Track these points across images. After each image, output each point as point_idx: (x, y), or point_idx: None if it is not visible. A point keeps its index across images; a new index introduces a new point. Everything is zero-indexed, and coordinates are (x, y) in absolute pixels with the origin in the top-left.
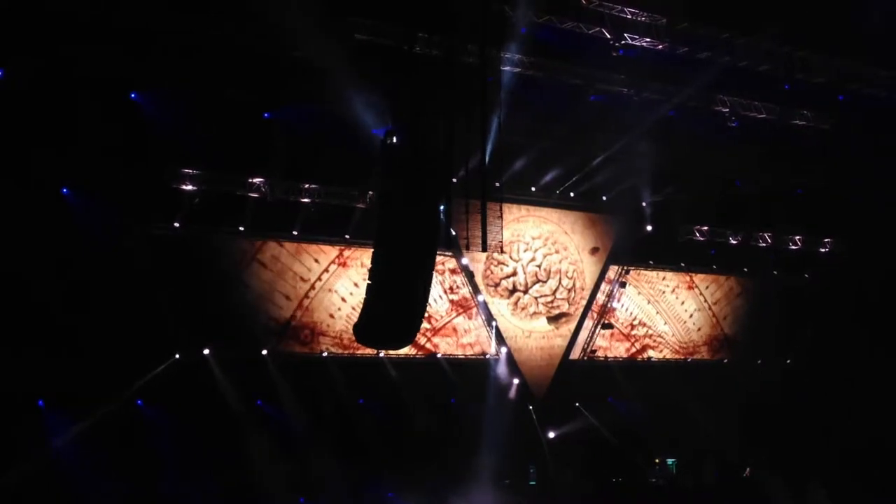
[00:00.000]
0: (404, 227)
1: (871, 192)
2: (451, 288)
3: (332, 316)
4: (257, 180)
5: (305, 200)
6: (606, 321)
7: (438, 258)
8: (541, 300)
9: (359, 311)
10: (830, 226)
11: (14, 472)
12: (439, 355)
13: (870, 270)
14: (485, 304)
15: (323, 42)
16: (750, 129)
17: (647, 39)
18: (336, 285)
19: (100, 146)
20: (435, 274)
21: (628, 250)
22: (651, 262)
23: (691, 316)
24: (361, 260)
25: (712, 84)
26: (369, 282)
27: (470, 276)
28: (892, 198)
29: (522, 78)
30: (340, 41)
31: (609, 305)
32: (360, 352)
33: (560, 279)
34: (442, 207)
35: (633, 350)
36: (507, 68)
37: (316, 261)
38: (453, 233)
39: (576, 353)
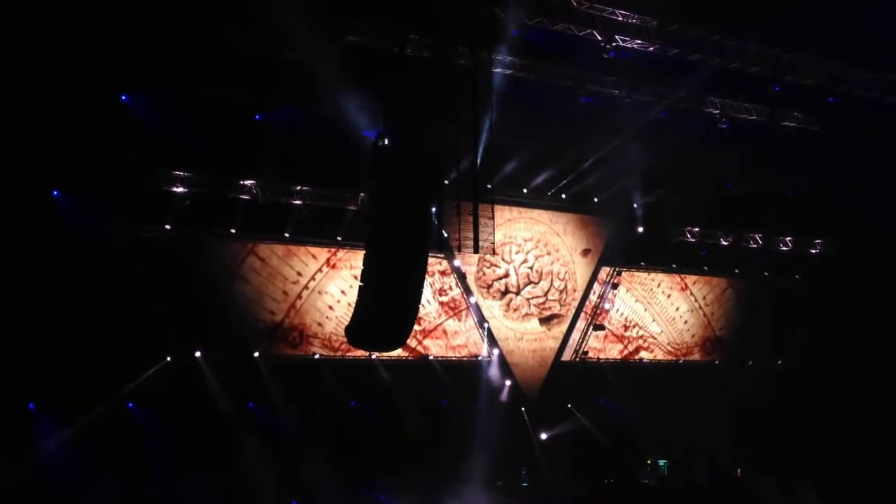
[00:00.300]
0: (396, 229)
1: (861, 193)
2: (440, 290)
3: (322, 318)
4: (248, 182)
5: (297, 202)
6: (598, 322)
7: (429, 260)
8: (533, 301)
9: (350, 313)
10: (821, 227)
11: (5, 475)
12: (431, 357)
13: (860, 271)
14: (477, 305)
15: (315, 44)
16: (740, 130)
17: (638, 41)
18: (327, 287)
19: (91, 148)
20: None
21: (620, 252)
22: (643, 264)
23: (683, 318)
24: (353, 262)
25: (703, 86)
26: (361, 284)
27: (462, 277)
28: (882, 199)
29: (514, 80)
30: (332, 43)
31: (601, 307)
32: (351, 354)
33: (552, 280)
34: (433, 209)
35: (627, 351)
36: (498, 70)
37: (307, 263)
38: (445, 234)
39: (568, 355)
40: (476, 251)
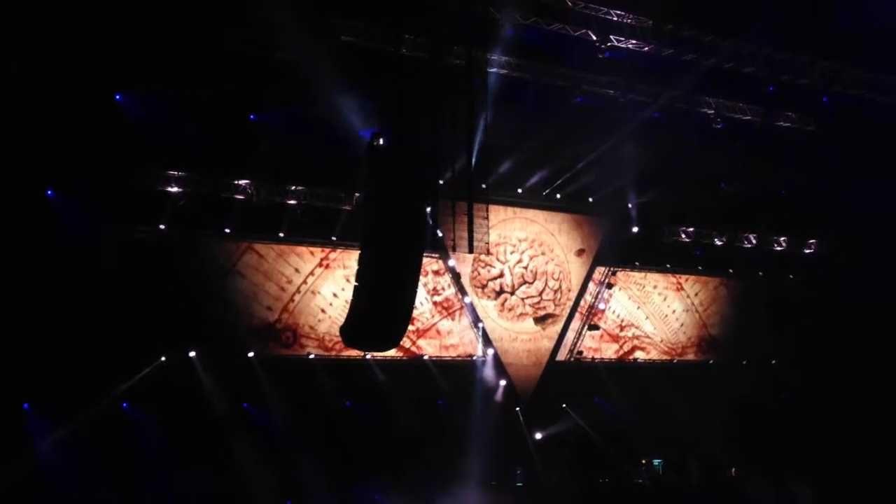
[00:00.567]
0: (391, 229)
1: (856, 192)
2: (434, 290)
3: (316, 318)
4: (243, 182)
5: (291, 202)
6: (593, 322)
7: (423, 260)
8: (527, 301)
9: (344, 313)
10: (815, 227)
11: (0, 475)
12: (426, 357)
13: (854, 271)
14: (472, 305)
15: (309, 44)
16: (735, 130)
17: (633, 41)
18: (322, 287)
19: (85, 148)
20: None
21: (614, 252)
22: (637, 264)
23: (678, 318)
24: (348, 262)
25: (697, 86)
26: (356, 284)
27: (457, 277)
28: (876, 198)
29: (509, 79)
30: (327, 43)
31: (596, 307)
32: (345, 354)
33: (546, 280)
34: (428, 209)
35: (622, 351)
36: (493, 70)
37: (302, 263)
38: (440, 234)
39: (562, 355)
40: (471, 251)
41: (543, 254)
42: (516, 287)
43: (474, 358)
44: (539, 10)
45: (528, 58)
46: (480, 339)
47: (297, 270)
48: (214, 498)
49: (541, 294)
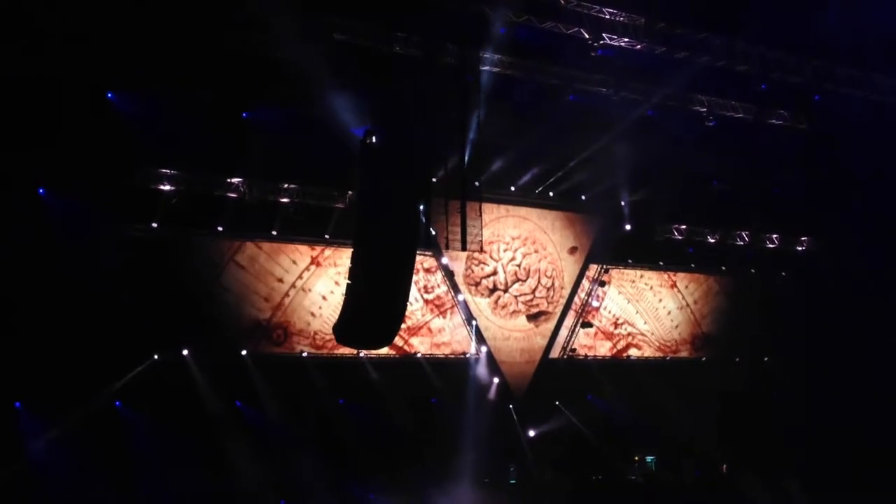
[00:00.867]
0: (384, 227)
1: (847, 191)
2: (426, 287)
3: (309, 316)
4: (236, 180)
5: (284, 200)
6: (586, 320)
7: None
8: (521, 299)
9: (337, 311)
10: (807, 225)
11: None
12: (419, 355)
13: (846, 269)
14: (465, 303)
15: (302, 42)
16: (727, 128)
17: (626, 39)
18: (314, 286)
19: (77, 146)
20: None
21: (607, 249)
22: (630, 261)
23: (671, 315)
24: (341, 260)
25: (690, 84)
26: (349, 282)
27: (450, 275)
28: (868, 196)
29: (501, 78)
30: (319, 41)
31: (589, 304)
32: (338, 351)
33: (539, 278)
34: (421, 207)
35: (617, 349)
36: (486, 68)
37: (294, 261)
38: (433, 232)
39: (556, 352)
40: (464, 248)
41: (536, 251)
42: (510, 285)
43: (468, 355)
44: (531, 8)
45: (521, 56)
46: (474, 337)
47: (289, 269)
48: (208, 496)
49: (534, 292)
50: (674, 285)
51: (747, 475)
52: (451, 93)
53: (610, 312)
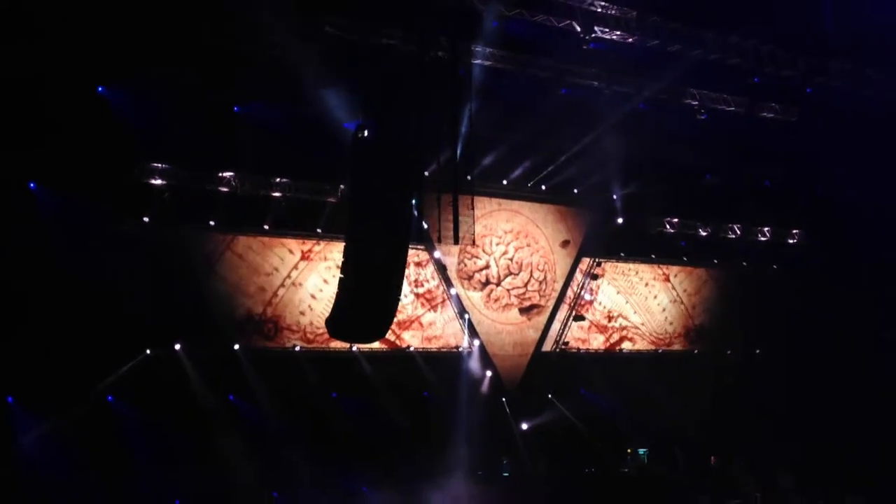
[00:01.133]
0: (376, 221)
1: (838, 183)
2: (416, 281)
3: (301, 310)
4: (227, 175)
5: (276, 195)
6: (579, 314)
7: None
8: (513, 292)
9: (329, 305)
10: (798, 217)
11: None
12: (412, 349)
13: (837, 261)
14: (457, 297)
15: (293, 36)
16: (719, 121)
17: (618, 33)
18: (306, 280)
19: (69, 141)
20: None
21: (599, 243)
22: (622, 255)
23: (664, 308)
24: (333, 254)
25: (682, 77)
26: (341, 276)
27: (442, 269)
28: (859, 189)
29: (493, 71)
30: (311, 35)
31: (581, 297)
32: (331, 345)
33: (531, 272)
34: (413, 201)
35: (611, 342)
36: (477, 62)
37: (286, 255)
38: (425, 226)
39: (548, 346)
40: (456, 242)
41: (529, 245)
42: (502, 278)
43: (460, 349)
44: (523, 1)
45: (513, 49)
46: (466, 331)
47: (281, 263)
48: (201, 490)
49: (526, 285)
50: (667, 279)
51: (738, 466)
52: (443, 87)
53: (603, 306)
